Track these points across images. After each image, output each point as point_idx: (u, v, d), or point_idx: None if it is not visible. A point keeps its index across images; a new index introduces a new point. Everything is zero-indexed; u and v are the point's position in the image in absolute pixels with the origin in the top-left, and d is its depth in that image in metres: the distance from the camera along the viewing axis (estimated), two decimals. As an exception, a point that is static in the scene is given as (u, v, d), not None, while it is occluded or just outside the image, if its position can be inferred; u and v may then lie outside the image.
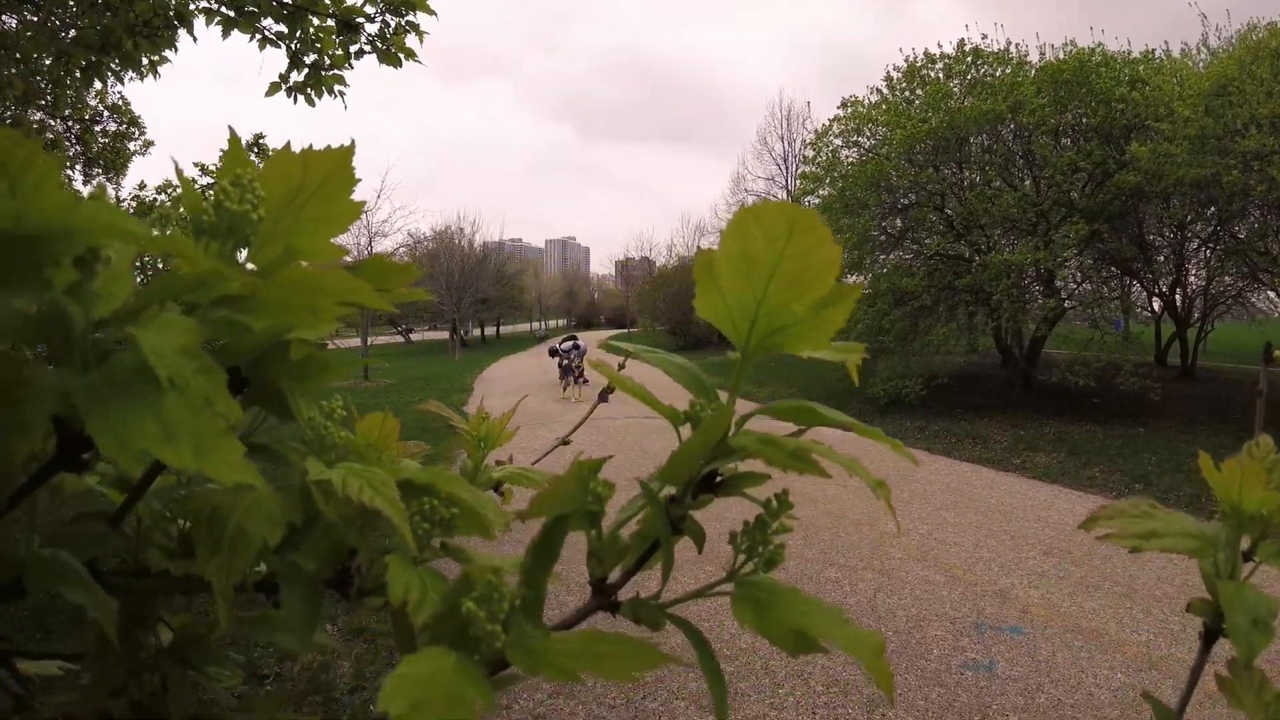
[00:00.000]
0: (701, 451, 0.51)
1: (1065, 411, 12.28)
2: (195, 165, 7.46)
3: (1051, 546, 6.27)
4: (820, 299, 0.50)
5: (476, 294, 43.99)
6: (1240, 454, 0.61)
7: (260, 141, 7.55)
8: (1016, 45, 14.22)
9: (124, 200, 7.05)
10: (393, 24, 4.80)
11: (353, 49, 4.85)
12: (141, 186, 7.87)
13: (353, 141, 0.57)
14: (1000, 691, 4.07)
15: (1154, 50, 14.17)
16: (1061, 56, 13.56)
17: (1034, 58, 14.13)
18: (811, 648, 0.49)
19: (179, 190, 7.04)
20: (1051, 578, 5.64)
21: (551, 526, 0.54)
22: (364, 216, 29.35)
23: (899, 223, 14.97)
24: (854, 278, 15.75)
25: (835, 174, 15.05)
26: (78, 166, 15.10)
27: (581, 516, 0.55)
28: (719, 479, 0.54)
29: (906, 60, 14.74)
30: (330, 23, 4.74)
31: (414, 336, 56.00)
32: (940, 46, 14.44)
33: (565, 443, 1.09)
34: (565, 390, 17.71)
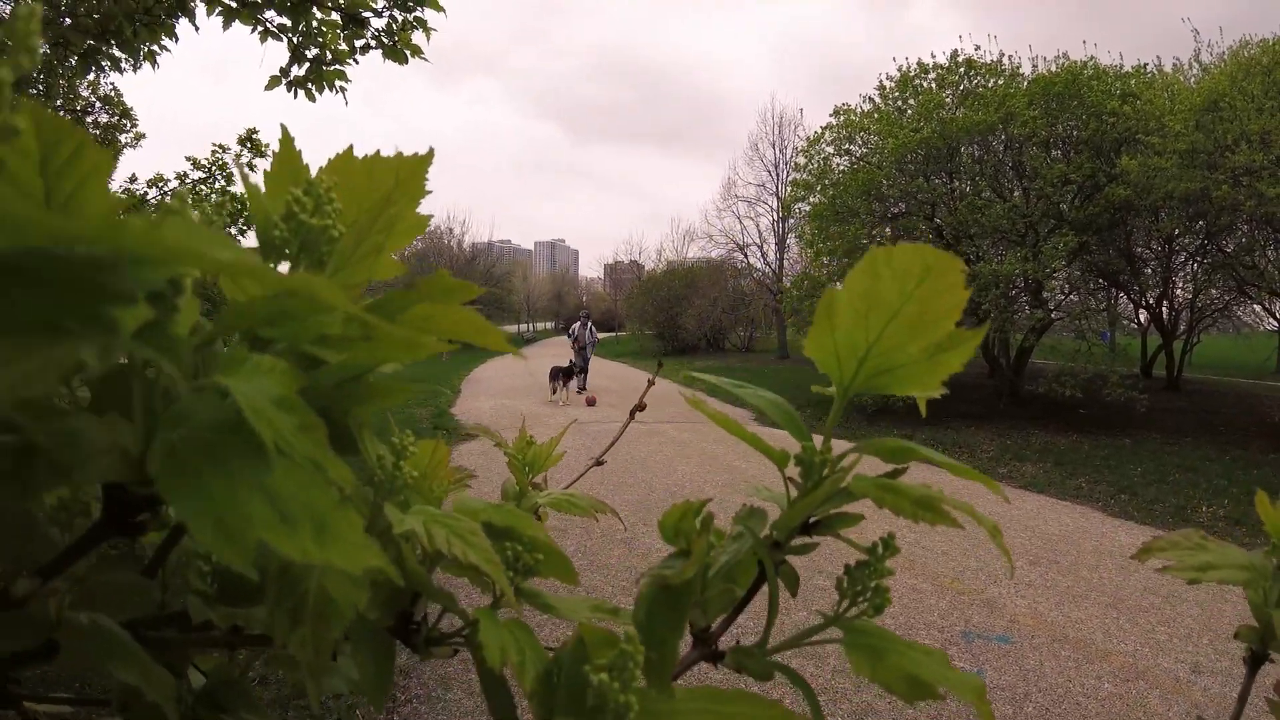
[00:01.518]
0: (814, 506, 0.50)
1: (1051, 422, 12.35)
2: (187, 159, 7.46)
3: (1038, 556, 6.29)
4: (937, 342, 0.48)
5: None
6: None
7: (254, 137, 7.53)
8: (1009, 57, 14.35)
9: (114, 193, 7.05)
10: (400, 19, 4.76)
11: (358, 44, 4.82)
12: (132, 179, 7.85)
13: (431, 150, 0.53)
14: (988, 700, 4.08)
15: (1146, 65, 14.31)
16: (1054, 69, 13.65)
17: (1026, 70, 14.24)
18: (929, 694, 0.48)
19: (175, 185, 6.99)
20: (1038, 587, 5.66)
21: (679, 580, 0.49)
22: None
23: (889, 231, 15.03)
24: (840, 285, 15.83)
25: (826, 181, 15.09)
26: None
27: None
28: (813, 520, 0.53)
29: (899, 69, 14.84)
30: (335, 17, 4.72)
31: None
32: (934, 56, 14.55)
33: (600, 463, 1.04)
34: (554, 393, 17.02)
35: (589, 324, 19.03)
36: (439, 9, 4.82)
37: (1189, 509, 7.89)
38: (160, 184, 6.88)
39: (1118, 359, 13.09)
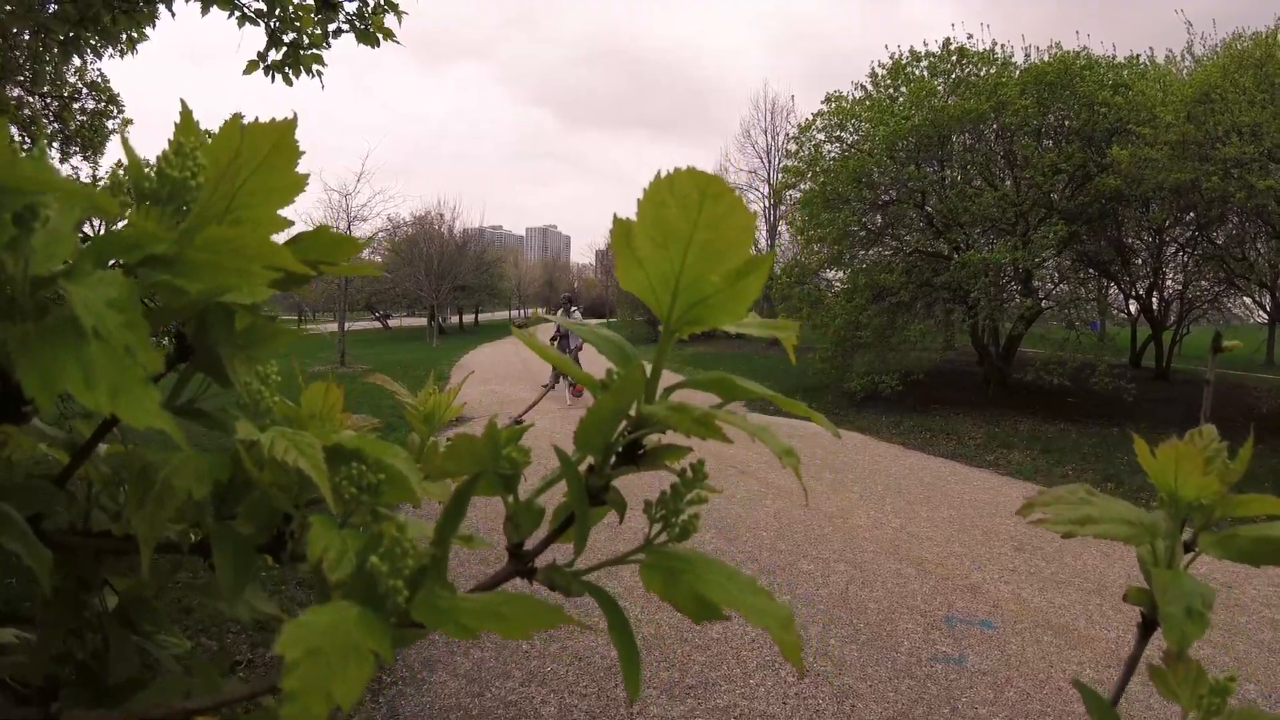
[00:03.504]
0: (614, 416, 0.51)
1: (1040, 410, 12.39)
2: (169, 143, 7.33)
3: (1024, 543, 6.32)
4: (736, 269, 0.50)
5: (455, 281, 43.76)
6: (1183, 441, 0.61)
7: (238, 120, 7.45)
8: (1002, 46, 14.27)
9: (101, 179, 6.98)
10: (371, 3, 4.74)
11: (330, 28, 4.79)
12: (119, 166, 7.72)
13: (295, 115, 0.58)
14: (970, 684, 4.11)
15: (1139, 56, 14.29)
16: (1046, 59, 13.63)
17: (1019, 59, 14.19)
18: (714, 614, 0.49)
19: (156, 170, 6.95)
20: (1022, 573, 5.69)
21: (462, 487, 0.54)
22: (343, 200, 29.08)
23: (879, 219, 15.02)
24: (833, 272, 15.83)
25: (817, 169, 15.02)
26: (55, 143, 14.87)
27: (495, 481, 0.55)
28: (642, 451, 0.53)
29: (891, 57, 14.73)
30: (309, 1, 4.69)
31: (392, 323, 55.74)
32: (926, 45, 14.52)
33: (518, 422, 1.03)
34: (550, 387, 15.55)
35: (573, 310, 17.45)
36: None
37: (1174, 497, 7.93)
38: (146, 168, 6.80)
39: (1107, 349, 13.12)
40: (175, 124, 0.58)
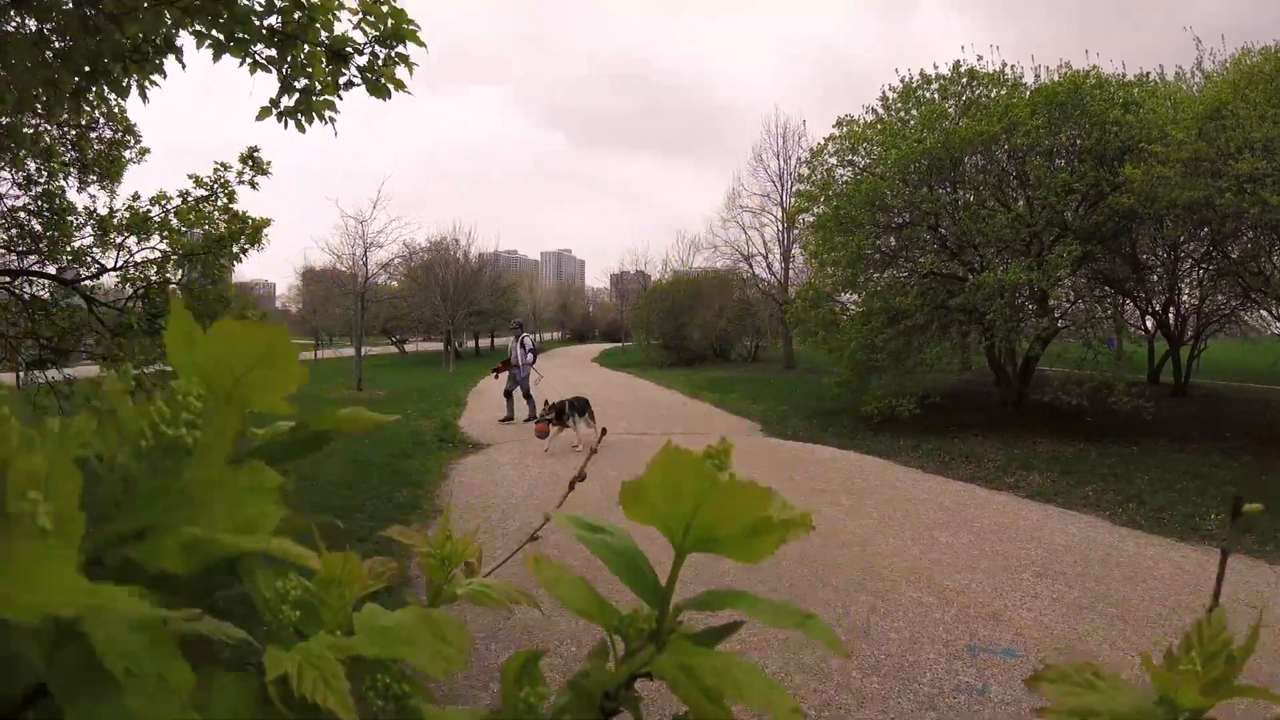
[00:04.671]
0: (619, 678, 0.55)
1: (1058, 430, 12.30)
2: (189, 177, 7.48)
3: (1045, 567, 6.28)
4: (752, 526, 0.52)
5: (471, 306, 43.99)
6: (1186, 640, 0.63)
7: (254, 155, 7.56)
8: (1011, 67, 14.30)
9: (119, 210, 7.05)
10: (381, 55, 4.75)
11: (340, 80, 4.80)
12: (135, 198, 7.80)
13: (287, 326, 0.59)
14: (993, 715, 4.08)
15: (1149, 73, 14.29)
16: (1056, 79, 13.65)
17: (1029, 79, 14.22)
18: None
19: (176, 203, 7.01)
20: (1045, 599, 5.65)
21: None
22: (359, 226, 29.33)
23: (893, 241, 15.02)
24: (848, 296, 15.80)
25: (830, 193, 15.06)
26: (74, 170, 15.07)
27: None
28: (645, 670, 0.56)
29: (902, 81, 14.80)
30: (321, 49, 4.73)
31: (408, 348, 56.01)
32: (936, 67, 14.54)
33: (534, 539, 0.93)
34: (547, 438, 12.51)
35: (521, 337, 16.18)
36: (420, 44, 4.82)
37: (1197, 517, 7.86)
38: (163, 201, 6.90)
39: (1124, 366, 13.04)
40: (170, 315, 0.55)
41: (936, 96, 14.35)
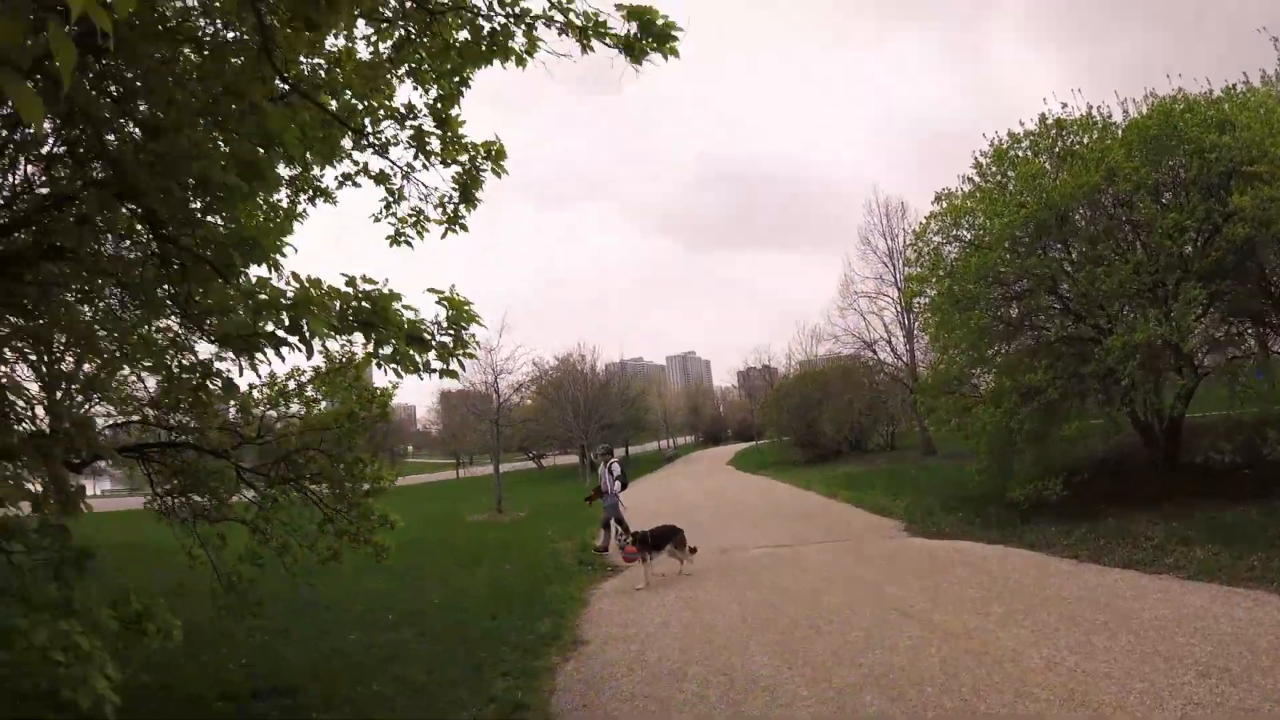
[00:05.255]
0: None
1: (1215, 491, 11.13)
2: (320, 352, 7.97)
3: (1208, 666, 5.70)
4: None
5: (602, 420, 44.68)
6: None
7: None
8: (1098, 108, 13.76)
9: (258, 385, 7.29)
10: (450, 341, 4.84)
11: (420, 359, 4.88)
12: (273, 377, 7.68)
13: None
14: None
15: (1235, 85, 13.40)
16: (1144, 110, 13.08)
17: (1118, 116, 13.72)
18: None
19: (309, 375, 7.53)
20: (1208, 706, 5.05)
21: None
22: (488, 355, 30.49)
23: (1014, 312, 14.40)
24: (975, 372, 15.23)
25: (940, 272, 14.72)
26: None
27: None
28: None
29: (992, 144, 14.53)
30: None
31: (545, 462, 57.09)
32: (1022, 124, 14.17)
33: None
34: (644, 575, 11.32)
35: (611, 462, 14.20)
36: (482, 325, 4.72)
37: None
38: (298, 374, 7.30)
39: (1276, 395, 11.90)
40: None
41: (1029, 154, 13.96)
